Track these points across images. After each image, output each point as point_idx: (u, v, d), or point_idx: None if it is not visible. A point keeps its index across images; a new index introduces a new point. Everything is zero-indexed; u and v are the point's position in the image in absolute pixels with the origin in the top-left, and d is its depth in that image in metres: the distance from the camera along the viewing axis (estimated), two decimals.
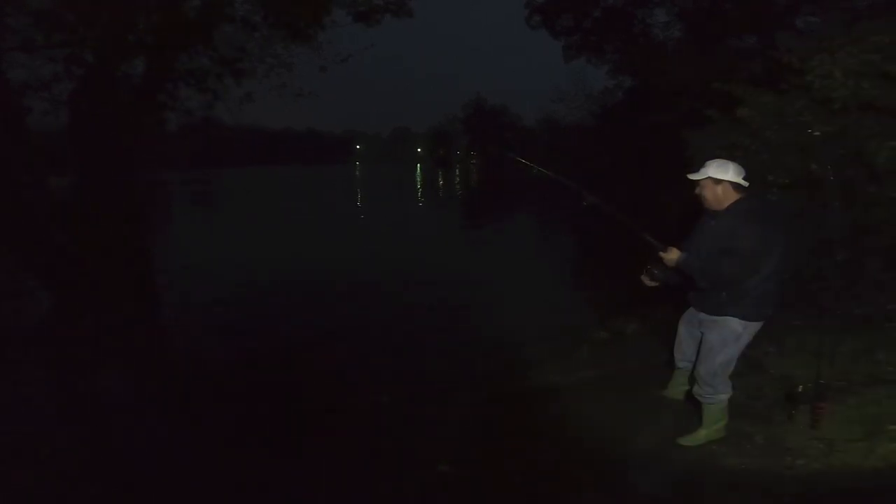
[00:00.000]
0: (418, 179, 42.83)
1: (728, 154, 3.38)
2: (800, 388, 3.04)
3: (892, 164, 4.15)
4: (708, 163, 2.88)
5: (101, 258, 6.81)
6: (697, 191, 2.90)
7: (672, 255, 2.86)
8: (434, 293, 7.01)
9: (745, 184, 2.81)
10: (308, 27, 8.79)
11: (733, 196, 2.78)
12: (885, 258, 4.26)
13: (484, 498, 2.70)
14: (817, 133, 4.00)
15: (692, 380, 3.20)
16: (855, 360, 3.56)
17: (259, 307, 6.61)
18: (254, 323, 5.92)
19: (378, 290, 7.32)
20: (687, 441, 2.99)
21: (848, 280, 4.21)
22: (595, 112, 22.51)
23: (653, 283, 3.13)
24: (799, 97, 4.54)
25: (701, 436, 2.99)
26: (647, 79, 15.28)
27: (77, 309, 6.09)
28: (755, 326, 2.83)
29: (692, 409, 3.26)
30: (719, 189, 2.80)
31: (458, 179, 42.84)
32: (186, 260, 9.65)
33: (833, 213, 4.25)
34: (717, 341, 2.87)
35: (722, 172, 2.78)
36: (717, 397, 2.95)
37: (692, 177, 2.91)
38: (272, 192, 29.93)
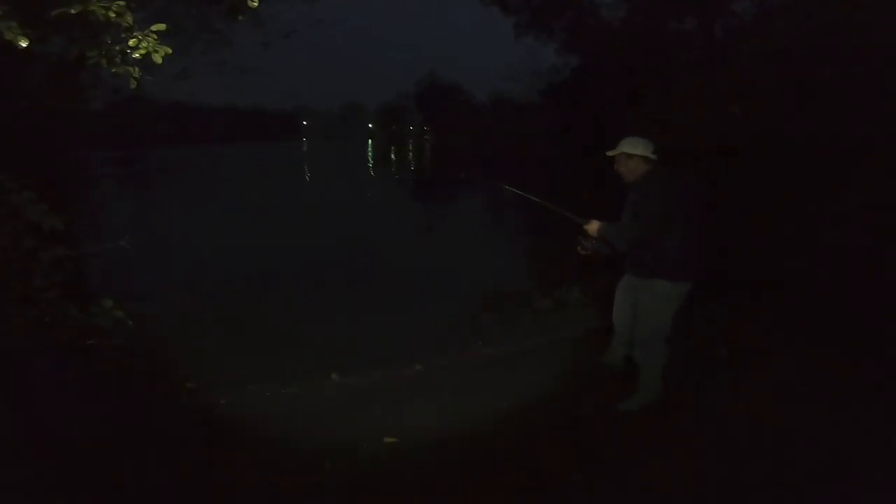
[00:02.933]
0: (370, 156, 42.00)
1: (660, 129, 3.57)
2: (724, 354, 3.28)
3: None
4: (622, 141, 3.18)
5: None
6: (616, 167, 3.20)
7: (593, 227, 3.18)
8: (381, 265, 7.01)
9: (654, 157, 3.13)
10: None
11: (644, 168, 3.10)
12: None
13: (427, 468, 2.74)
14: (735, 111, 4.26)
15: (630, 345, 3.41)
16: (760, 327, 3.86)
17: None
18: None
19: (326, 263, 7.23)
20: (625, 406, 3.18)
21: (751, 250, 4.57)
22: (542, 90, 22.77)
23: (587, 253, 3.30)
24: (723, 78, 4.83)
25: (638, 401, 3.18)
26: (593, 57, 15.61)
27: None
28: (683, 287, 3.04)
29: (630, 374, 3.47)
30: (631, 163, 3.12)
31: (411, 156, 42.38)
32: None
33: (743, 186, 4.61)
34: (650, 304, 3.08)
35: (632, 148, 3.11)
36: (653, 361, 3.14)
37: (609, 153, 3.21)
38: (206, 172, 28.40)
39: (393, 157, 41.77)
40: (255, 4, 2.73)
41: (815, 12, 5.25)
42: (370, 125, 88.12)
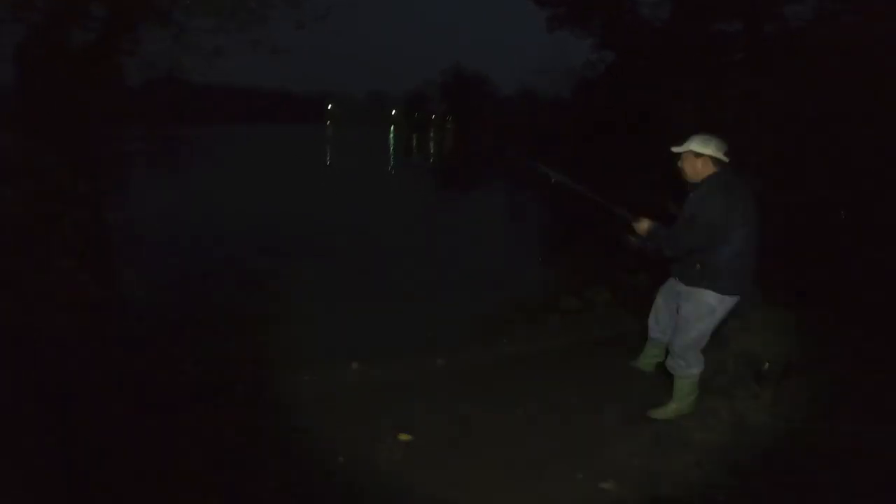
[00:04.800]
0: (392, 143, 41.86)
1: (709, 130, 3.37)
2: (766, 366, 3.10)
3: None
4: (692, 137, 2.96)
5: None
6: (679, 163, 2.98)
7: (643, 225, 3.02)
8: (402, 259, 6.84)
9: (726, 159, 2.89)
10: None
11: (711, 170, 2.87)
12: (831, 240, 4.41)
13: (445, 468, 2.63)
14: (808, 116, 4.00)
15: (665, 352, 3.23)
16: (802, 339, 3.66)
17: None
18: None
19: (345, 256, 7.07)
20: (657, 414, 3.02)
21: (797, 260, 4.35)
22: (575, 85, 22.34)
23: (635, 249, 3.14)
24: (783, 80, 4.56)
25: (671, 409, 3.01)
26: (632, 55, 15.19)
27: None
28: (730, 301, 2.86)
29: (662, 381, 3.29)
30: (699, 163, 2.89)
31: (432, 144, 42.18)
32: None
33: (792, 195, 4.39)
34: (693, 314, 2.89)
35: (703, 147, 2.87)
36: (688, 371, 2.97)
37: (675, 149, 2.99)
38: (234, 151, 28.42)
39: (415, 144, 41.59)
40: None
41: (883, 14, 4.94)
42: (393, 112, 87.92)
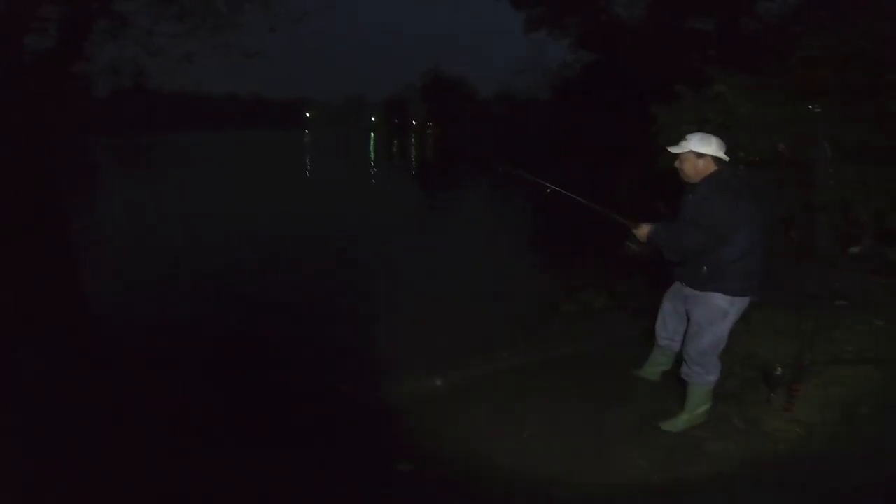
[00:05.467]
0: (372, 149, 41.54)
1: (697, 129, 3.30)
2: (778, 370, 3.01)
3: (858, 147, 4.24)
4: (689, 136, 2.87)
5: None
6: (677, 163, 2.89)
7: (643, 231, 2.92)
8: (392, 267, 6.67)
9: (726, 158, 2.82)
10: None
11: (712, 169, 2.79)
12: (834, 237, 4.40)
13: (449, 496, 2.50)
14: (818, 109, 3.95)
15: (674, 359, 3.13)
16: (813, 340, 3.61)
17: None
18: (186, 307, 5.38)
19: (333, 265, 6.86)
20: (668, 427, 2.90)
21: (799, 258, 4.32)
22: (554, 86, 22.50)
23: (632, 256, 3.04)
24: (775, 77, 4.54)
25: (682, 421, 2.90)
26: (609, 55, 15.31)
27: None
28: (741, 302, 2.77)
29: (668, 389, 3.20)
30: (701, 163, 2.80)
31: (413, 150, 41.98)
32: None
33: (789, 191, 4.36)
34: (704, 319, 2.79)
35: (705, 146, 2.79)
36: (706, 378, 2.87)
37: (673, 150, 2.90)
38: (209, 160, 27.87)
39: (395, 149, 41.36)
40: None
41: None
42: (372, 118, 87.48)
